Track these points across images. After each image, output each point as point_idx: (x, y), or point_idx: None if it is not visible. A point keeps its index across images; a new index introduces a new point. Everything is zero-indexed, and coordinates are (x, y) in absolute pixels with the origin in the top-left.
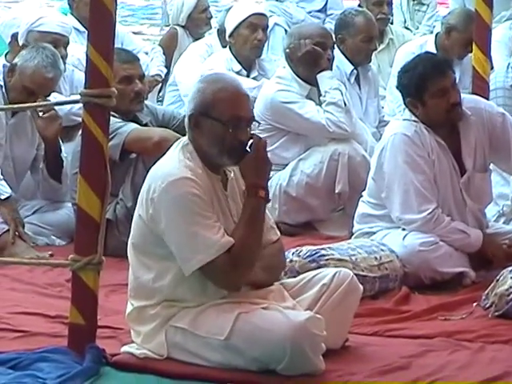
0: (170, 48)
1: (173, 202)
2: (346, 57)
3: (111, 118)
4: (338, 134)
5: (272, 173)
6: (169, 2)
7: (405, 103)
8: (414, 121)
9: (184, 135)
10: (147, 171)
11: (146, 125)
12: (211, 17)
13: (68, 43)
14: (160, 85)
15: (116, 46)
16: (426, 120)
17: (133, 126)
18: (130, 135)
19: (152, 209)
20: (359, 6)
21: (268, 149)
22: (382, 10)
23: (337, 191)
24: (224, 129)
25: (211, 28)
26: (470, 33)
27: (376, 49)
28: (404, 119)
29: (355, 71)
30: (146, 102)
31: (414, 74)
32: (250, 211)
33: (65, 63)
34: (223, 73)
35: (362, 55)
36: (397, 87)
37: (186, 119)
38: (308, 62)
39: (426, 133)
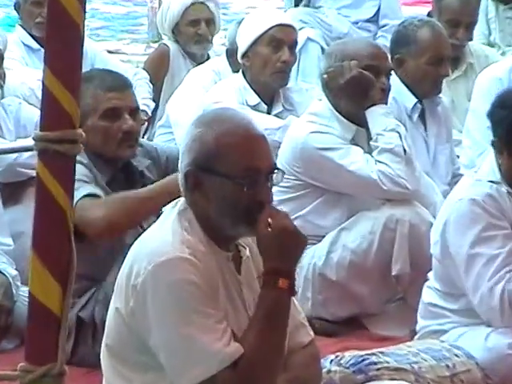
0: (159, 73)
1: (162, 292)
2: (406, 86)
3: (81, 168)
4: (396, 193)
5: None
6: (159, 10)
7: (492, 142)
8: (492, 181)
9: None
10: None
11: (141, 173)
12: (212, 34)
13: (2, 58)
14: (146, 123)
15: (84, 69)
16: (508, 175)
17: (85, 190)
18: (76, 206)
19: (133, 300)
20: (428, 15)
21: (298, 214)
22: (456, 33)
23: (394, 273)
24: (237, 188)
25: (209, 47)
26: None
27: (448, 75)
28: (476, 180)
29: (419, 105)
30: (140, 139)
31: (511, 114)
32: (268, 307)
33: (1, 86)
34: (226, 108)
35: (428, 83)
36: (487, 115)
37: (181, 178)
38: (354, 93)
39: (507, 198)
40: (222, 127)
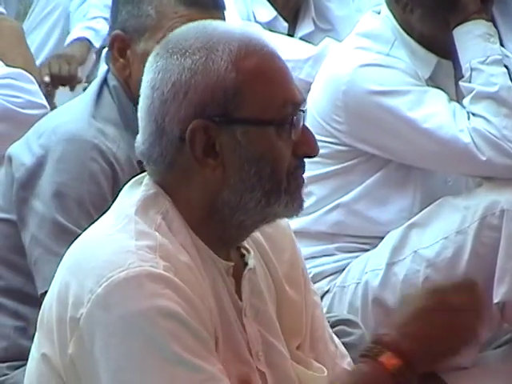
0: None
1: (121, 330)
2: None
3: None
4: (501, 166)
5: (342, 256)
6: None
7: None
8: None
9: None
10: None
11: None
12: None
13: None
14: (94, 59)
15: None
16: None
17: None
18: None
19: (74, 344)
20: None
21: (338, 200)
22: None
23: (497, 300)
24: (277, 136)
25: None
26: None
27: None
28: None
29: None
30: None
31: None
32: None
33: None
34: (218, 22)
35: None
36: None
37: (170, 144)
38: (434, 1)
39: None
40: (232, 46)
